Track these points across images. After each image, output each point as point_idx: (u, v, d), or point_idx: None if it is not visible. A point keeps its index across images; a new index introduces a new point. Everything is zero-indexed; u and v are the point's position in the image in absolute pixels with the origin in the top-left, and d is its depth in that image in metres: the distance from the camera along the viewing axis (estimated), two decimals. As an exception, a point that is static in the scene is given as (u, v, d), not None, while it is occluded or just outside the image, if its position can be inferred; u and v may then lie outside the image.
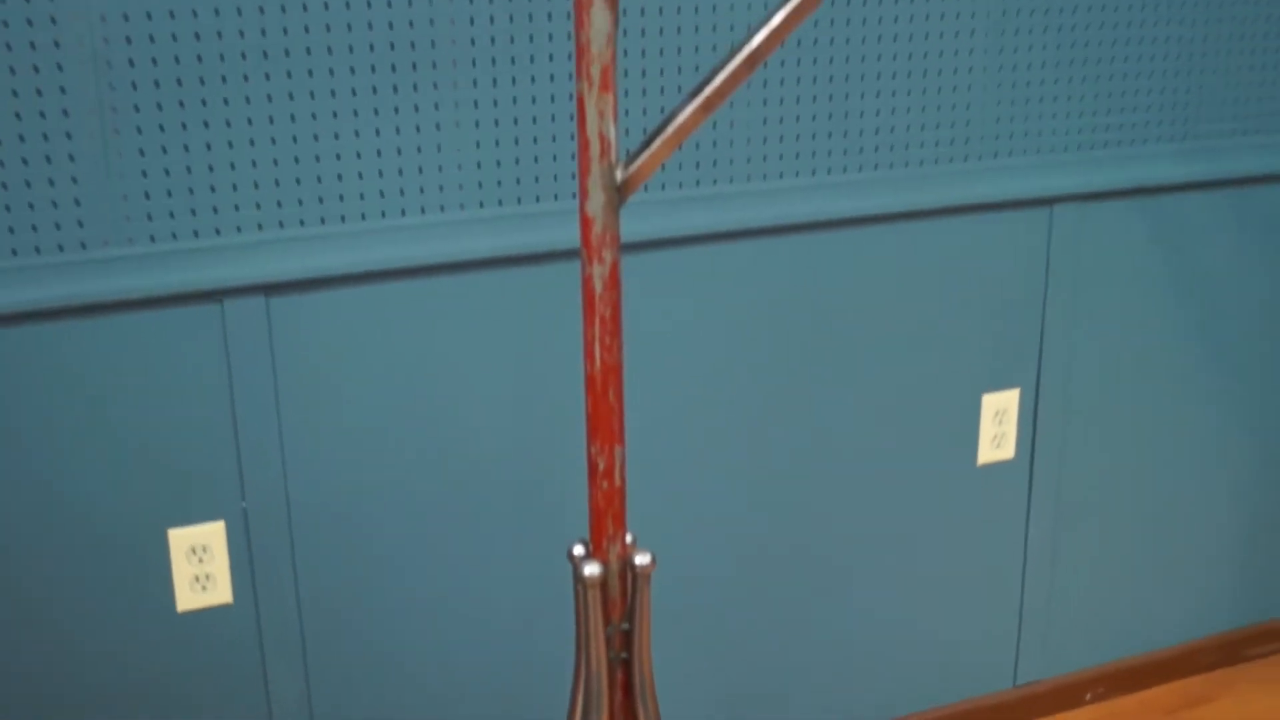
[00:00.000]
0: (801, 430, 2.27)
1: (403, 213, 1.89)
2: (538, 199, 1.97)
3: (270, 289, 1.84)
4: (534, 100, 1.93)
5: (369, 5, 1.80)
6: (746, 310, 2.16)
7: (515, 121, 1.93)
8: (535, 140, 1.94)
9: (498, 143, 1.92)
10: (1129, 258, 2.46)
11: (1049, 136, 2.31)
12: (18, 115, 1.68)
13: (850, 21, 2.10)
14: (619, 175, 1.26)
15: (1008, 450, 2.47)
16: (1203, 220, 2.51)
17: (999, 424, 2.45)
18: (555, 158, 1.96)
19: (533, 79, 1.92)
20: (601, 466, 1.33)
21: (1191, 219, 2.50)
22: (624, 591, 1.38)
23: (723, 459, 2.22)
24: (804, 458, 2.29)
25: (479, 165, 1.92)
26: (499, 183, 1.94)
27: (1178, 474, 2.65)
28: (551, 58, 1.92)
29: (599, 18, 1.21)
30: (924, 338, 2.32)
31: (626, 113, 1.99)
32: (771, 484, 2.27)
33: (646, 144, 1.25)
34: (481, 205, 1.94)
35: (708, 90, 1.23)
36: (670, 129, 1.24)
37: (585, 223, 1.27)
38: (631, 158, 1.26)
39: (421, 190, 1.89)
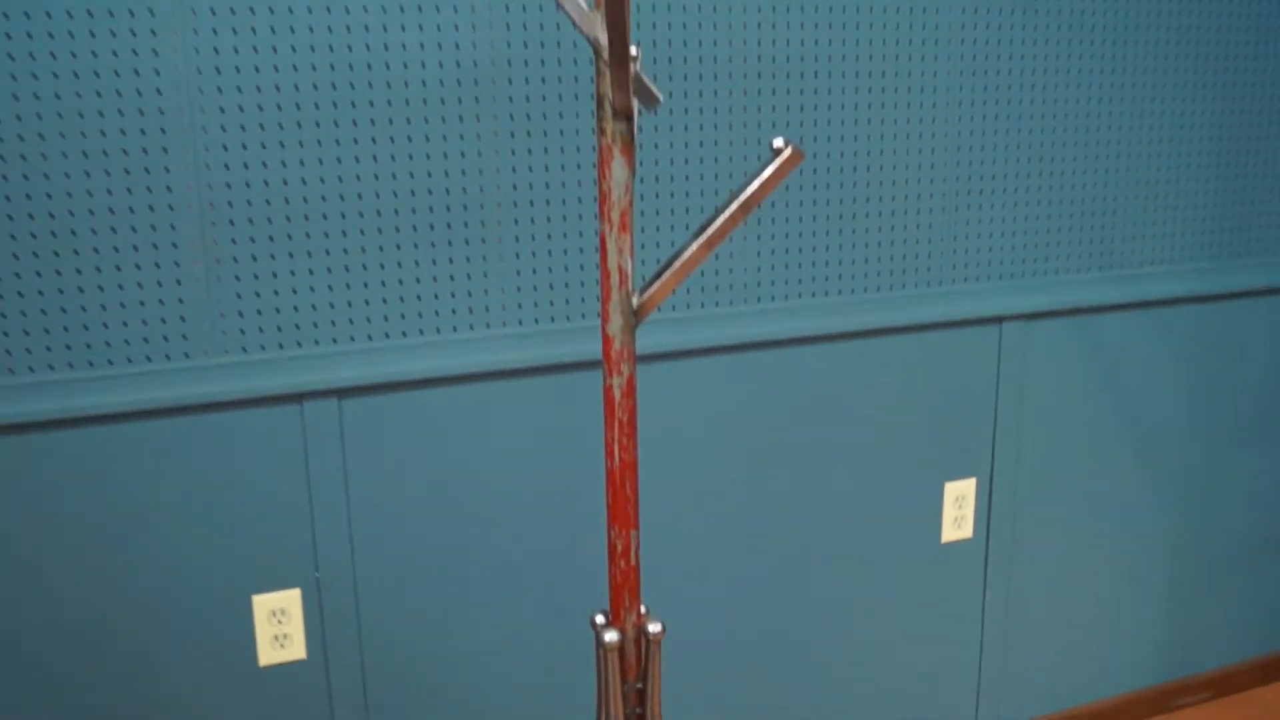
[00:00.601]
0: (788, 513, 2.25)
1: (454, 329, 1.90)
2: (568, 318, 1.98)
3: (342, 392, 1.85)
4: (565, 235, 1.95)
5: (428, 170, 1.83)
6: (740, 411, 2.16)
7: (549, 253, 1.94)
8: (566, 269, 1.96)
9: (534, 270, 1.94)
10: (1067, 366, 2.46)
11: (997, 265, 2.32)
12: (135, 248, 1.70)
13: (830, 170, 2.12)
14: (635, 301, 1.26)
15: (967, 530, 2.45)
16: (1128, 335, 2.51)
17: (959, 508, 2.43)
18: (583, 284, 1.98)
19: (564, 218, 1.94)
20: (619, 548, 1.32)
21: (1118, 334, 2.50)
22: (638, 656, 1.36)
23: (720, 538, 2.20)
24: (790, 537, 2.27)
25: (519, 289, 1.93)
26: (535, 304, 1.95)
27: (1111, 548, 2.62)
28: (580, 200, 1.94)
29: (618, 170, 1.22)
30: (893, 434, 2.31)
31: (642, 246, 2.01)
32: (762, 559, 2.25)
33: (658, 275, 1.26)
34: (520, 323, 1.95)
35: (709, 231, 1.24)
36: (678, 263, 1.25)
37: (606, 341, 1.27)
38: (645, 287, 1.26)
39: (470, 310, 1.91)
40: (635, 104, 1.22)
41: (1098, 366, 2.50)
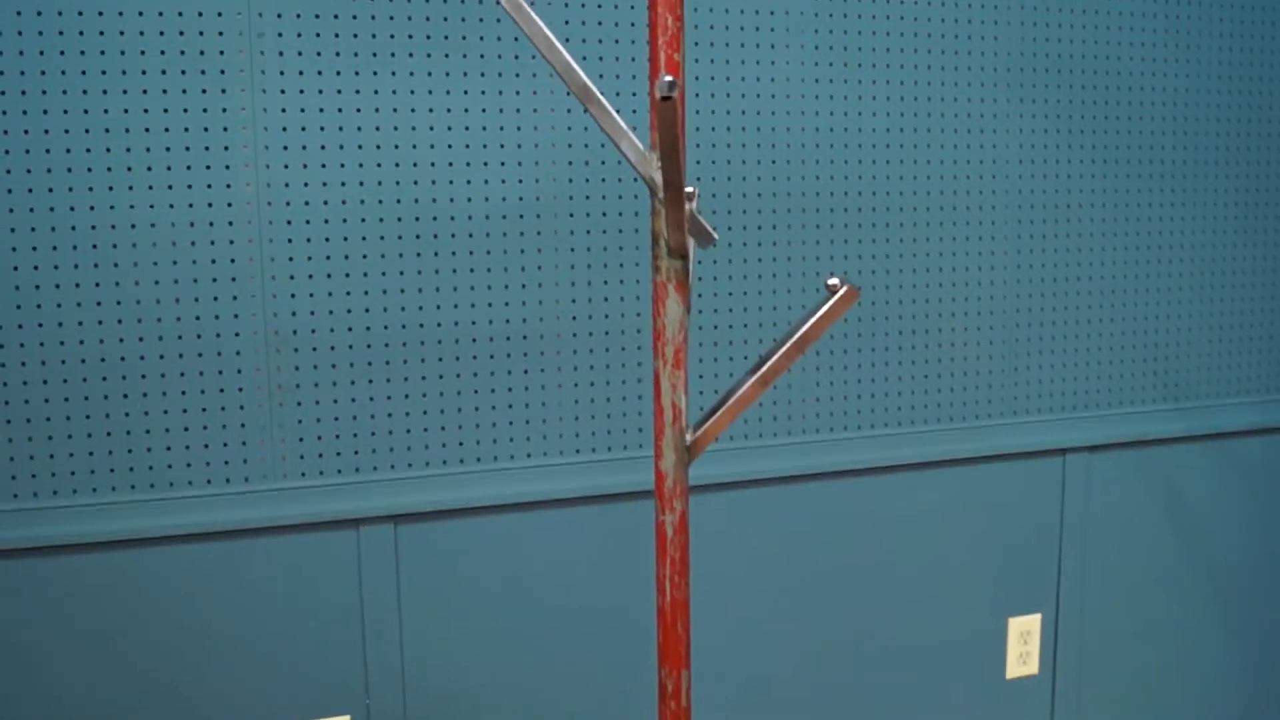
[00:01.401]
0: (847, 648, 2.18)
1: (511, 457, 1.89)
2: (624, 447, 1.96)
3: (398, 518, 1.83)
4: (623, 366, 1.94)
5: (489, 302, 1.84)
6: (797, 544, 2.11)
7: (607, 383, 1.93)
8: (624, 398, 1.94)
9: (592, 400, 1.92)
10: (1133, 499, 2.38)
11: (1060, 397, 2.27)
12: (200, 373, 1.72)
13: (889, 302, 2.10)
14: (689, 438, 1.24)
15: (1032, 666, 2.35)
16: (1195, 467, 2.43)
17: (1024, 644, 2.34)
18: (640, 413, 1.96)
19: (622, 348, 1.93)
20: (670, 689, 1.27)
21: (1185, 466, 2.42)
22: (688, 801, 1.30)
23: (776, 674, 2.13)
24: (850, 672, 2.19)
25: (576, 419, 1.92)
26: (592, 433, 1.93)
27: (1181, 683, 2.50)
28: (639, 331, 1.94)
29: (673, 307, 1.21)
30: (955, 568, 2.24)
31: (700, 376, 1.99)
32: (821, 696, 2.17)
33: (712, 412, 1.23)
34: (577, 452, 1.93)
35: (764, 369, 1.22)
36: (732, 400, 1.23)
37: (659, 477, 1.24)
38: (699, 423, 1.24)
39: (528, 439, 1.89)
40: (690, 242, 1.21)
41: (1164, 499, 2.42)
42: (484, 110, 1.80)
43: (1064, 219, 2.22)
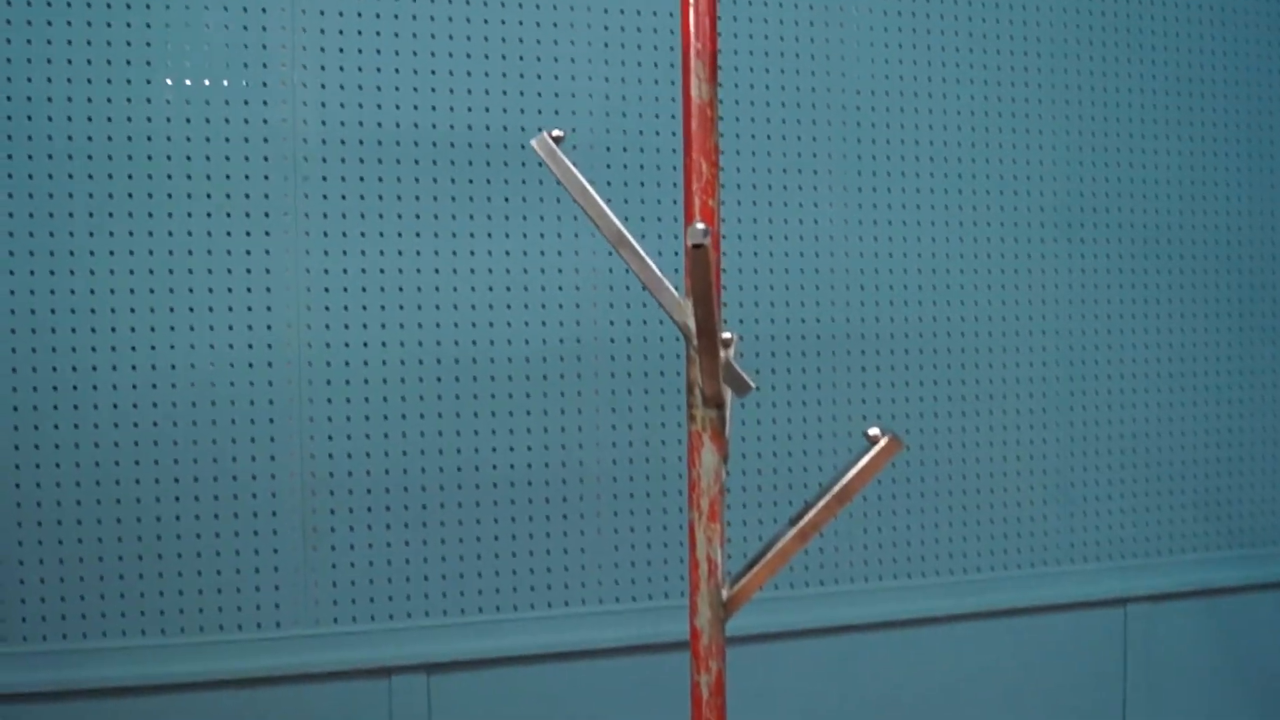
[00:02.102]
0: (901, 808, 2.06)
1: (549, 605, 1.83)
2: (665, 595, 1.89)
3: (431, 668, 1.77)
4: (665, 511, 1.88)
5: (528, 445, 1.80)
6: (842, 699, 2.00)
7: (648, 529, 1.88)
8: (665, 544, 1.88)
9: (633, 546, 1.87)
10: (1200, 650, 2.26)
11: (1118, 544, 2.18)
12: (235, 515, 1.69)
13: (937, 446, 2.03)
14: (725, 593, 1.18)
15: (1097, 834, 2.21)
16: (1260, 617, 2.30)
17: (1087, 808, 2.20)
18: (681, 560, 1.89)
19: (664, 493, 1.88)
20: None
21: (1254, 616, 2.29)
22: None
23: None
24: (904, 835, 2.07)
25: (615, 565, 1.86)
26: (632, 581, 1.87)
27: None
28: (680, 476, 1.89)
29: (708, 457, 1.17)
30: (1012, 725, 2.13)
31: (742, 523, 1.93)
32: None
33: (749, 567, 1.18)
34: (617, 600, 1.86)
35: (803, 522, 1.16)
36: (770, 555, 1.17)
37: (694, 634, 1.18)
38: (736, 579, 1.18)
39: (566, 585, 1.83)
40: (726, 391, 1.17)
41: (1233, 650, 2.29)
42: (525, 253, 1.80)
43: (1117, 359, 2.16)
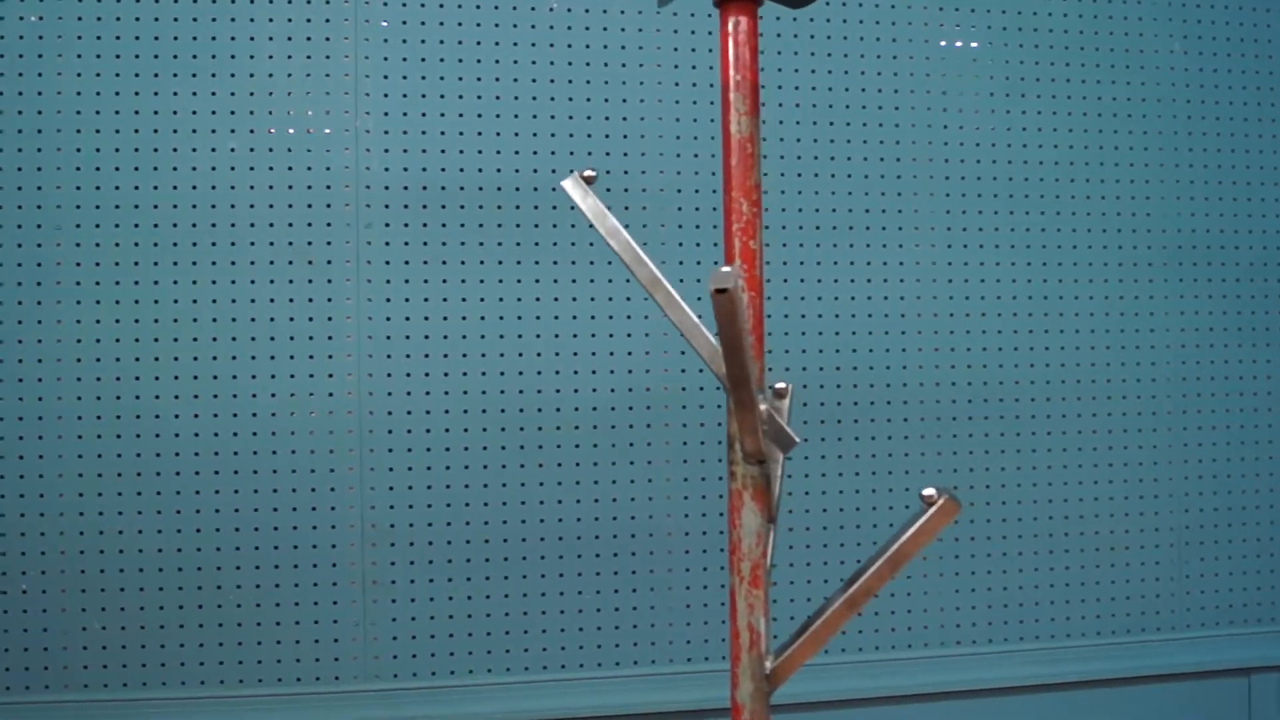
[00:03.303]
0: None
1: (617, 664, 1.74)
2: (722, 658, 1.78)
3: (492, 726, 1.70)
4: (720, 568, 1.78)
5: (596, 497, 1.73)
6: (939, 766, 1.87)
7: (704, 586, 1.78)
8: (723, 604, 1.78)
9: (705, 605, 1.77)
10: (1335, 729, 2.05)
11: (1239, 609, 1.99)
12: (295, 565, 1.65)
13: (1035, 501, 1.89)
14: (768, 665, 1.08)
15: None
16: None
17: None
18: (706, 622, 1.78)
19: (720, 549, 1.78)
20: None
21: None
22: None
23: None
24: None
25: (687, 624, 1.76)
26: (705, 641, 1.77)
27: None
28: (724, 531, 1.79)
29: (749, 518, 1.08)
30: (1122, 803, 1.96)
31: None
32: None
33: (795, 638, 1.08)
34: (688, 660, 1.76)
35: (852, 590, 1.06)
36: (817, 624, 1.07)
37: (735, 709, 1.08)
38: (781, 649, 1.08)
39: (635, 644, 1.75)
40: (770, 447, 1.08)
41: (1375, 731, 2.07)
42: (591, 299, 1.73)
43: (1235, 408, 1.99)
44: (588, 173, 1.12)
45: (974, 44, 1.87)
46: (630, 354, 1.74)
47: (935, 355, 1.85)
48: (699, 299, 1.75)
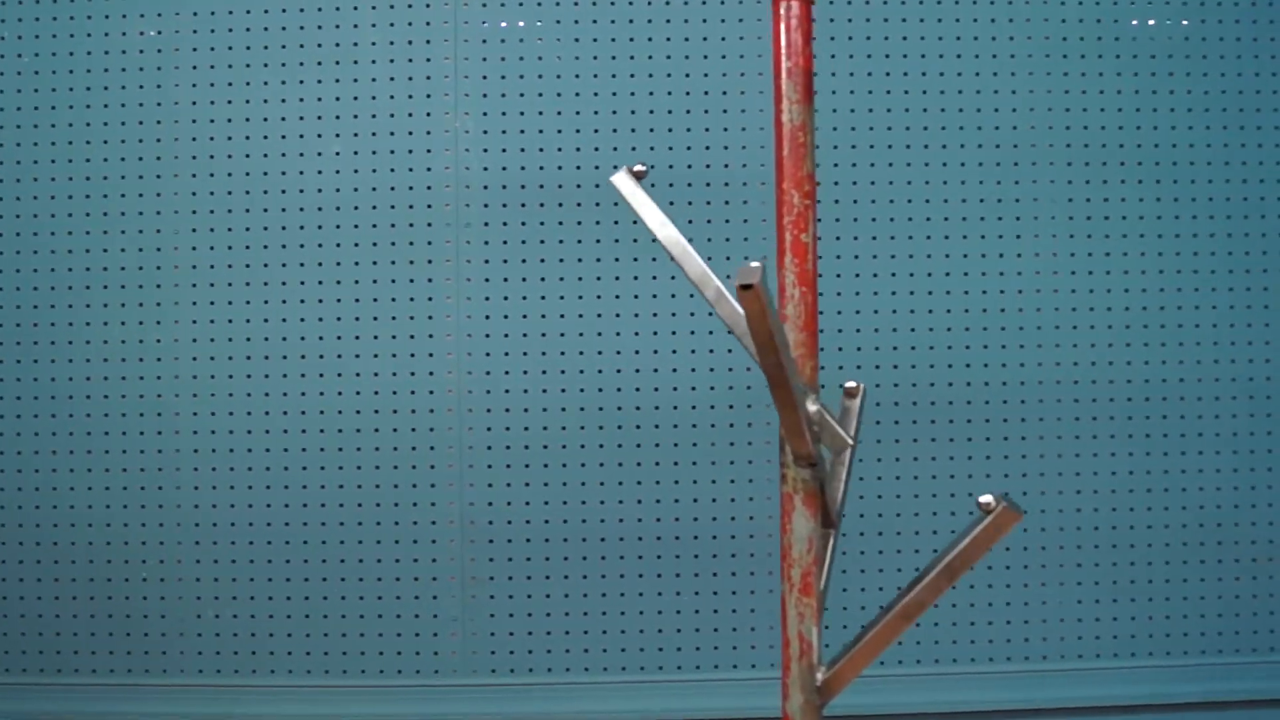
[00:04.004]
0: None
1: (715, 667, 1.70)
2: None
3: (585, 726, 1.69)
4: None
5: (694, 497, 1.70)
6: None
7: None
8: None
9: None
10: None
11: None
12: (396, 560, 1.68)
13: (1097, 510, 1.75)
14: (819, 677, 1.03)
15: None
16: None
17: None
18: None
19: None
20: None
21: None
22: None
23: None
24: None
25: (751, 629, 1.70)
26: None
27: None
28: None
29: (800, 523, 1.03)
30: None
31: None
32: None
33: (848, 650, 1.02)
34: (754, 666, 1.70)
35: (906, 600, 1.00)
36: (869, 637, 1.01)
37: (786, 721, 1.04)
38: (834, 662, 1.03)
39: (734, 647, 1.70)
40: (821, 449, 1.03)
41: None
42: (691, 295, 1.70)
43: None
44: (638, 167, 1.09)
45: (1098, 19, 1.75)
46: (730, 351, 1.70)
47: (991, 351, 1.74)
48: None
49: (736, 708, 1.69)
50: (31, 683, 1.69)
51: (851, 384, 1.18)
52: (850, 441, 1.02)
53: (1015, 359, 1.73)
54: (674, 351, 1.70)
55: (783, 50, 1.04)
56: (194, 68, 1.69)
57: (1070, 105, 1.74)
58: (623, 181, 1.09)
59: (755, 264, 0.91)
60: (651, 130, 1.71)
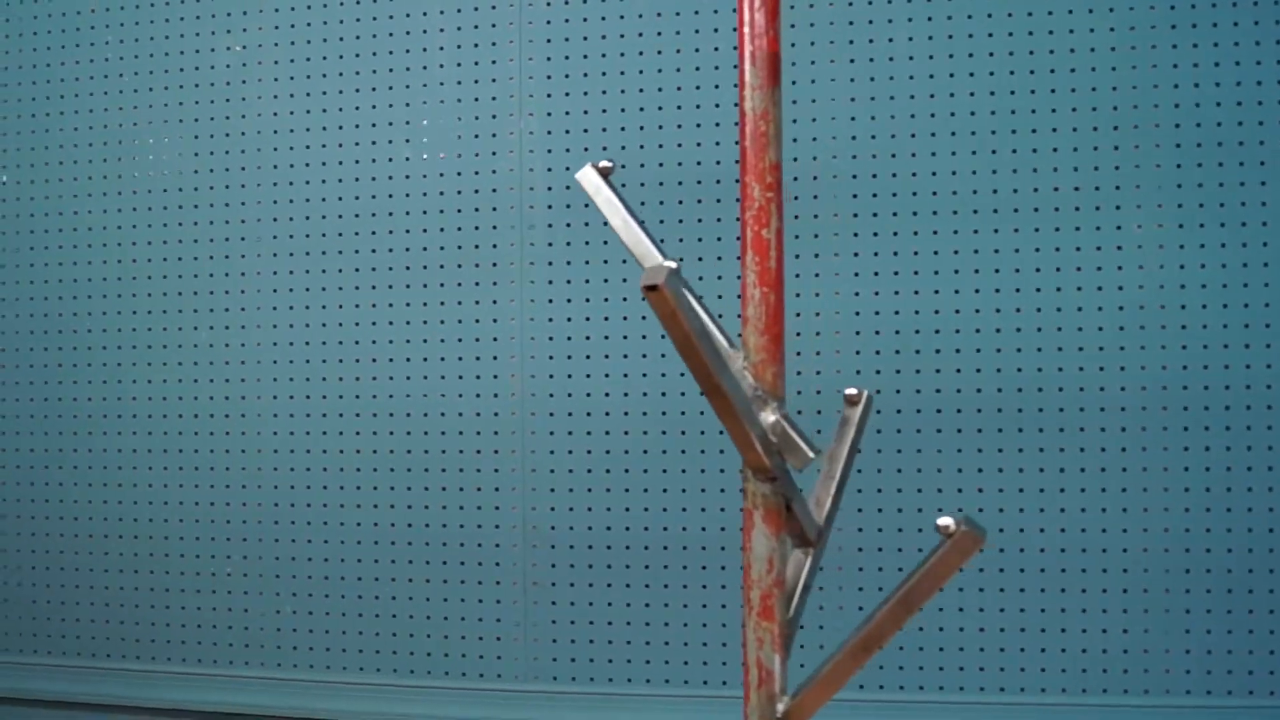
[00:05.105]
0: None
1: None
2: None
3: (648, 740, 1.63)
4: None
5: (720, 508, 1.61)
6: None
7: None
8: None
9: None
10: None
11: None
12: (461, 562, 1.67)
13: (1104, 530, 1.54)
14: (780, 708, 0.94)
15: None
16: None
17: None
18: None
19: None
20: None
21: None
22: None
23: None
24: None
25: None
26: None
27: None
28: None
29: (759, 541, 0.94)
30: None
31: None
32: None
33: (807, 683, 0.93)
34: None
35: (863, 632, 0.91)
36: (826, 669, 0.92)
37: (747, 754, 0.96)
38: (798, 691, 0.94)
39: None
40: (782, 461, 0.94)
41: None
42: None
43: None
44: (603, 164, 1.03)
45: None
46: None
47: (1005, 356, 1.55)
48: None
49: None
50: (109, 668, 1.78)
51: (853, 390, 1.08)
52: (811, 455, 0.93)
53: (1034, 363, 1.56)
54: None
55: (746, 32, 0.96)
56: (275, 80, 1.74)
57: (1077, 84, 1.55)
58: (588, 177, 1.03)
59: (669, 263, 0.84)
60: (717, 124, 1.63)
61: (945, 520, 0.86)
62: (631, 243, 1.01)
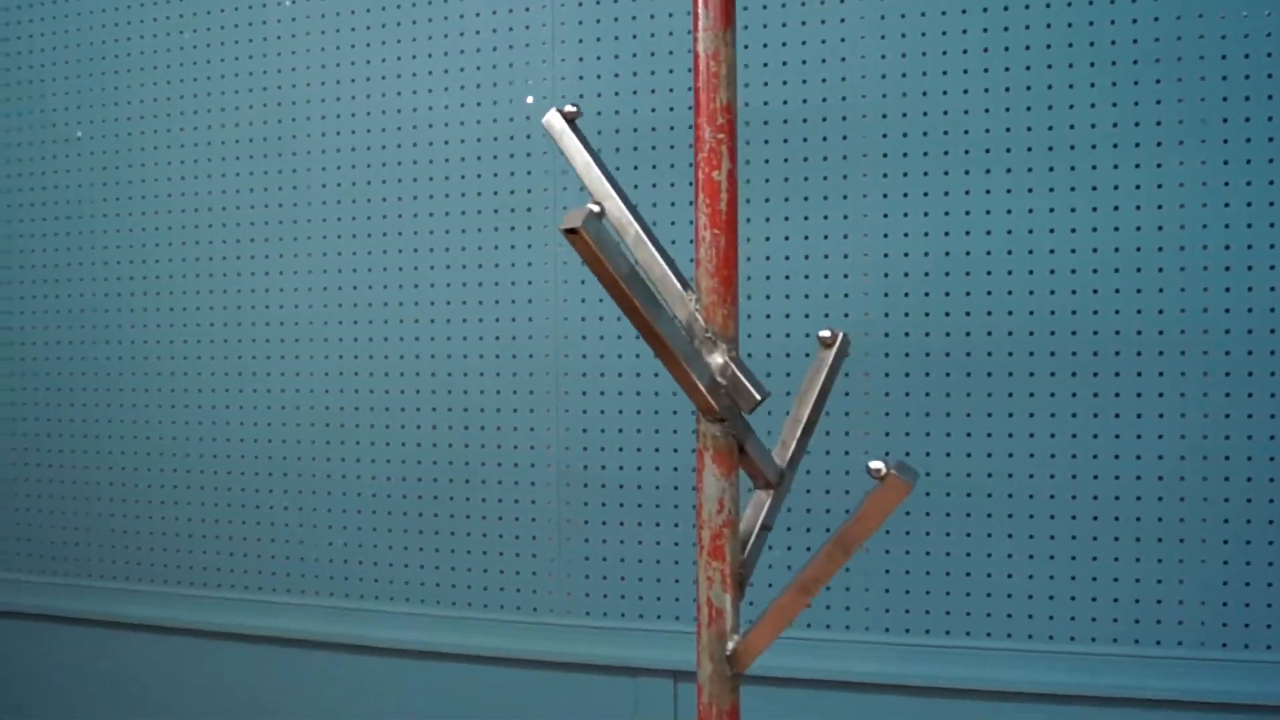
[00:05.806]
0: None
1: (808, 625, 1.61)
2: (842, 626, 1.57)
3: (678, 675, 1.65)
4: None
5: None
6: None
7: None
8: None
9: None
10: None
11: None
12: (500, 500, 1.71)
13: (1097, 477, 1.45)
14: (730, 645, 0.95)
15: None
16: None
17: None
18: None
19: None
20: None
21: None
22: None
23: None
24: None
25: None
26: (827, 606, 1.58)
27: None
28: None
29: (710, 482, 0.95)
30: None
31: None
32: None
33: (754, 625, 0.94)
34: (848, 628, 1.58)
35: (803, 575, 0.90)
36: (771, 610, 0.92)
37: (699, 689, 0.97)
38: (748, 631, 0.95)
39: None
40: (732, 402, 0.94)
41: None
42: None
43: None
44: (569, 108, 1.03)
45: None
46: (788, 297, 1.58)
47: (998, 299, 1.48)
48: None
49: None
50: (180, 593, 1.88)
51: (826, 333, 1.07)
52: (758, 397, 0.92)
53: (1047, 305, 1.49)
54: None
55: (700, -28, 0.94)
56: (319, 39, 1.78)
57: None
58: (553, 121, 1.03)
59: (591, 206, 0.84)
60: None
61: (877, 464, 0.85)
62: (593, 185, 1.01)
